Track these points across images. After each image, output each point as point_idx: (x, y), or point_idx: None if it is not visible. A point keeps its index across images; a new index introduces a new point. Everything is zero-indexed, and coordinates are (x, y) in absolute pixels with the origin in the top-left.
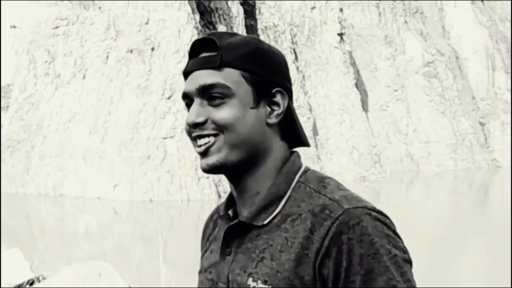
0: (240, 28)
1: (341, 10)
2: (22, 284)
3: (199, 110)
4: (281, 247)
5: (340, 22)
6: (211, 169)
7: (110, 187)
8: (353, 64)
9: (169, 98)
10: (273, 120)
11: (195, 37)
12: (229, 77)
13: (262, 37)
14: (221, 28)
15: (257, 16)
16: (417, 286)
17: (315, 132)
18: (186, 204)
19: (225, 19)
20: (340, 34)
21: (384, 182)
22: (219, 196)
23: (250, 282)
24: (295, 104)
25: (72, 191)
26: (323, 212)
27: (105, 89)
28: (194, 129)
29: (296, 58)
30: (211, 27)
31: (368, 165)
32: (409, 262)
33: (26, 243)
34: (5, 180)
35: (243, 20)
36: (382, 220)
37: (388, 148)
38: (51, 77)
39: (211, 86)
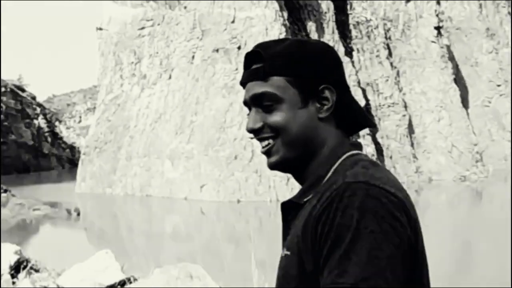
0: (330, 25)
1: (438, 2)
2: (113, 285)
3: (256, 117)
4: (302, 218)
5: (437, 15)
6: (274, 167)
7: (197, 188)
8: (452, 58)
9: None
10: (324, 114)
11: (283, 35)
12: (275, 85)
13: (354, 33)
14: (310, 25)
15: (349, 11)
16: (393, 268)
17: (410, 130)
18: (275, 205)
19: (314, 16)
20: (438, 28)
21: (486, 182)
22: None
23: (283, 251)
24: (389, 101)
25: (158, 192)
26: (331, 186)
27: (191, 89)
28: (254, 135)
29: (390, 53)
30: (299, 24)
31: (469, 164)
32: (393, 244)
33: (114, 244)
34: (93, 181)
35: (333, 16)
36: (378, 197)
37: (491, 146)
38: (137, 78)
39: (261, 96)
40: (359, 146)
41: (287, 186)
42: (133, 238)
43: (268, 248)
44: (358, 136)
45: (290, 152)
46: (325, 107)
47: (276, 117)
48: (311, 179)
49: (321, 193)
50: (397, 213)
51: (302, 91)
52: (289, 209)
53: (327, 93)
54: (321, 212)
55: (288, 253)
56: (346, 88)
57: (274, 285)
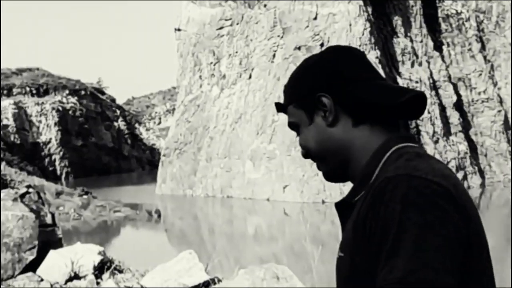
0: (418, 18)
1: None
2: (197, 286)
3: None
4: (352, 218)
5: None
6: (328, 181)
7: (280, 188)
8: None
9: None
10: (328, 121)
11: (368, 30)
12: (290, 113)
13: (443, 26)
14: (396, 19)
15: (437, 4)
16: (441, 263)
17: (506, 126)
18: None
19: (400, 10)
20: None
21: None
22: None
23: (338, 253)
24: (483, 96)
25: (240, 193)
26: (375, 183)
27: (272, 88)
28: None
29: (483, 47)
30: (385, 18)
31: None
32: (439, 234)
33: (195, 245)
34: (173, 182)
35: (421, 10)
36: (420, 188)
37: None
38: (217, 78)
39: (288, 126)
40: (408, 138)
41: None
42: (214, 239)
43: None
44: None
45: (325, 166)
46: (327, 113)
47: (300, 141)
48: (360, 178)
49: (368, 190)
50: (441, 202)
51: (305, 110)
52: (343, 209)
53: (322, 101)
54: (367, 209)
55: (342, 254)
56: (361, 80)
57: None
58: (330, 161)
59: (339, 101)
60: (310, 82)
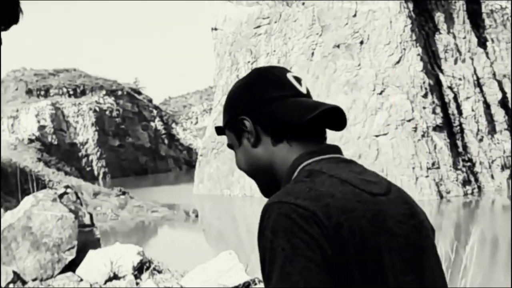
0: (461, 14)
1: None
2: (238, 287)
3: None
4: None
5: None
6: (264, 196)
7: None
8: None
9: (381, 93)
10: (251, 142)
11: (409, 27)
12: (227, 136)
13: (487, 22)
14: (438, 15)
15: (481, 0)
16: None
17: None
18: None
19: (442, 6)
20: None
21: None
22: (441, 197)
23: None
24: None
25: None
26: None
27: (311, 87)
28: None
29: None
30: (426, 15)
31: None
32: (304, 257)
33: (233, 245)
34: (210, 182)
35: (464, 5)
36: (287, 214)
37: None
38: None
39: (228, 147)
40: (316, 153)
41: (416, 186)
42: (252, 240)
43: None
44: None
45: (258, 183)
46: (248, 136)
47: (236, 161)
48: None
49: None
50: (306, 226)
51: (234, 133)
52: None
53: (244, 124)
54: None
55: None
56: (278, 100)
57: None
58: (260, 179)
59: (259, 122)
60: (235, 106)
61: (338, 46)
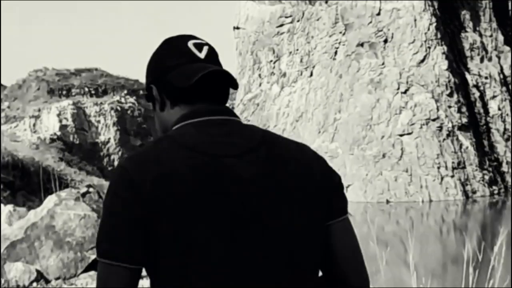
0: (487, 12)
1: None
2: None
3: None
4: None
5: None
6: None
7: None
8: None
9: (405, 92)
10: (158, 107)
11: (434, 25)
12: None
13: None
14: (464, 13)
15: None
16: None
17: None
18: (427, 206)
19: (468, 3)
20: None
21: None
22: (467, 197)
23: None
24: None
25: None
26: None
27: (334, 86)
28: None
29: None
30: (452, 13)
31: None
32: (114, 215)
33: None
34: None
35: (491, 3)
36: (114, 176)
37: None
38: (276, 77)
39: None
40: (189, 115)
41: (441, 186)
42: None
43: (421, 251)
44: None
45: None
46: (156, 101)
47: None
48: None
49: None
50: (117, 185)
51: (150, 100)
52: None
53: (151, 91)
54: None
55: None
56: (175, 67)
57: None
58: None
59: (163, 89)
60: (147, 76)
61: (362, 45)
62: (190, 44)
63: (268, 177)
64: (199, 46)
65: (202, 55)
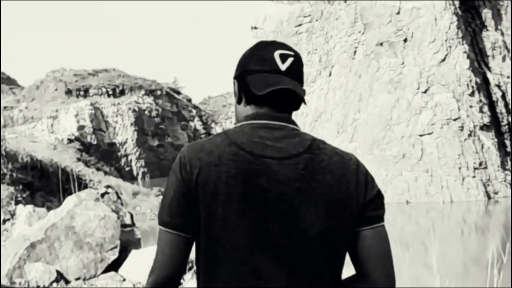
0: (509, 11)
1: None
2: None
3: None
4: None
5: None
6: None
7: None
8: None
9: (425, 92)
10: (236, 100)
11: (455, 24)
12: None
13: None
14: (486, 12)
15: None
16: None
17: None
18: (448, 206)
19: (490, 2)
20: None
21: None
22: (489, 197)
23: None
24: None
25: None
26: None
27: (353, 86)
28: None
29: None
30: (473, 12)
31: None
32: (171, 189)
33: None
34: None
35: None
36: (177, 160)
37: None
38: None
39: None
40: (251, 117)
41: (462, 186)
42: None
43: (443, 252)
44: None
45: None
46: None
47: None
48: None
49: None
50: (178, 169)
51: (234, 92)
52: None
53: (234, 85)
54: None
55: None
56: (254, 72)
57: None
58: None
59: (241, 86)
60: (235, 70)
61: (381, 44)
62: (276, 54)
63: (301, 183)
64: (284, 57)
65: (284, 66)
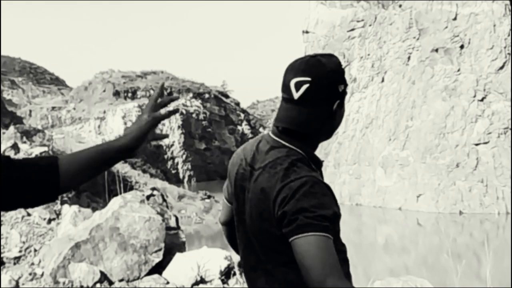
0: None
1: None
2: None
3: None
4: None
5: None
6: None
7: (413, 197)
8: None
9: (482, 100)
10: None
11: None
12: None
13: None
14: None
15: None
16: None
17: None
18: (504, 218)
19: None
20: None
21: None
22: None
23: None
24: None
25: (370, 201)
26: None
27: (406, 92)
28: None
29: None
30: None
31: None
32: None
33: None
34: None
35: None
36: None
37: None
38: (347, 82)
39: None
40: (270, 130)
41: None
42: None
43: (497, 265)
44: None
45: None
46: None
47: None
48: None
49: None
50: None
51: None
52: None
53: None
54: None
55: None
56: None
57: None
58: None
59: None
60: None
61: (437, 50)
62: (292, 82)
63: (253, 190)
64: (299, 85)
65: (297, 95)
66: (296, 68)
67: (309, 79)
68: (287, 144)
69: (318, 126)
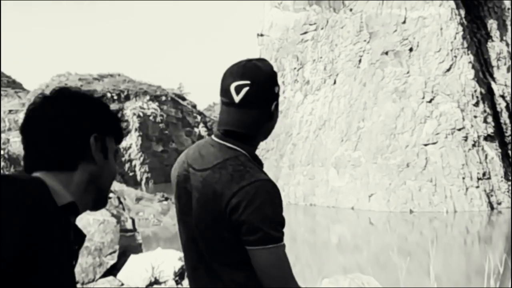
0: None
1: None
2: None
3: None
4: None
5: None
6: None
7: (365, 197)
8: None
9: (430, 101)
10: None
11: (460, 34)
12: None
13: None
14: (491, 22)
15: None
16: None
17: None
18: (452, 216)
19: (495, 12)
20: None
21: None
22: (492, 208)
23: None
24: None
25: (323, 201)
26: None
27: (357, 94)
28: None
29: None
30: (479, 22)
31: None
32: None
33: None
34: None
35: None
36: None
37: None
38: (300, 84)
39: None
40: (213, 133)
41: (466, 196)
42: (296, 248)
43: (445, 262)
44: None
45: None
46: None
47: None
48: None
49: None
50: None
51: None
52: None
53: None
54: None
55: None
56: (221, 100)
57: None
58: None
59: None
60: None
61: (387, 53)
62: (232, 86)
63: (201, 191)
64: (239, 89)
65: (238, 98)
66: (235, 73)
67: (248, 82)
68: (231, 145)
69: (259, 127)
